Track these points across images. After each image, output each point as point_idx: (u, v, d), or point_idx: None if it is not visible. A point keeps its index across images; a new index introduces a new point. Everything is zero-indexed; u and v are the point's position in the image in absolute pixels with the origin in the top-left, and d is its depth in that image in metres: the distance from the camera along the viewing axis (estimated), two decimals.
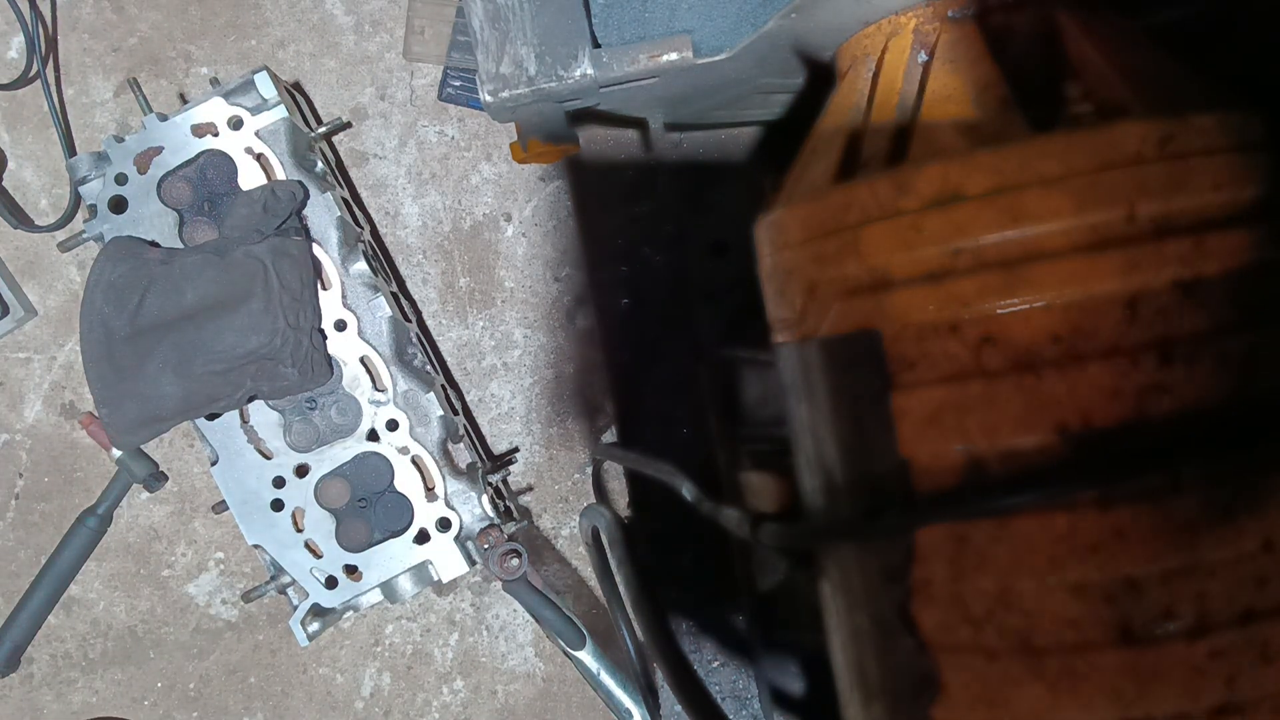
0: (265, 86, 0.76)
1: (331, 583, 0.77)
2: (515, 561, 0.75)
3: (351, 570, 0.77)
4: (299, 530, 0.76)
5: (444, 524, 0.77)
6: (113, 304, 0.72)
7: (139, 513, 0.90)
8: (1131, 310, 0.35)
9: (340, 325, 0.76)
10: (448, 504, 0.77)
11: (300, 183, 0.75)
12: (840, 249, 0.40)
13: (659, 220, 0.67)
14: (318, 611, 0.77)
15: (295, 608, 0.77)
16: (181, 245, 0.76)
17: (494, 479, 0.82)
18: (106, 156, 0.76)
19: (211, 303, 0.72)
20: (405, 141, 0.88)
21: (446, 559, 0.77)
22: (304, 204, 0.76)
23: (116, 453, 0.85)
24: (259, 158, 0.76)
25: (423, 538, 0.77)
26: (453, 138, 0.88)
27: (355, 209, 0.84)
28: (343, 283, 0.76)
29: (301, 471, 0.77)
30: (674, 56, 0.49)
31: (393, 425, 0.77)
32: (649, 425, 0.68)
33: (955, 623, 0.37)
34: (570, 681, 0.89)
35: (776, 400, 0.47)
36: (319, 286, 0.76)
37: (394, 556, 0.77)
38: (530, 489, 0.90)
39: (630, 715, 0.77)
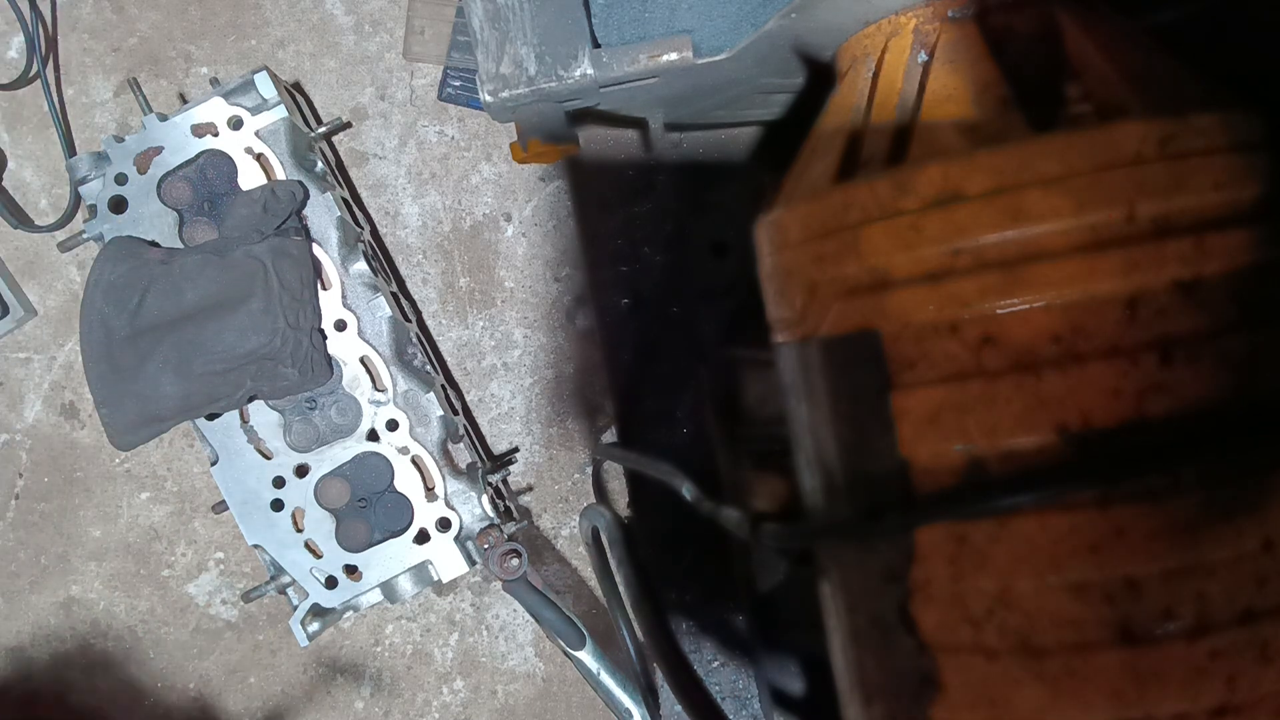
0: (265, 86, 0.76)
1: (331, 583, 0.77)
2: (515, 561, 0.75)
3: (351, 570, 0.77)
4: (299, 530, 0.76)
5: (444, 524, 0.77)
6: (113, 304, 0.72)
7: (139, 513, 0.90)
8: (1131, 310, 0.35)
9: (340, 325, 0.76)
10: (448, 504, 0.77)
11: (300, 183, 0.75)
12: (840, 249, 0.40)
13: (659, 220, 0.67)
14: (318, 611, 0.77)
15: (295, 608, 0.77)
16: (181, 245, 0.76)
17: (494, 479, 0.82)
18: (106, 156, 0.76)
19: (211, 303, 0.72)
20: (405, 141, 0.88)
21: (446, 559, 0.77)
22: (304, 204, 0.76)
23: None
24: (259, 158, 0.76)
25: (423, 538, 0.77)
26: (453, 138, 0.88)
27: (355, 209, 0.84)
28: (343, 283, 0.76)
29: (301, 471, 0.77)
30: (674, 56, 0.49)
31: (393, 425, 0.77)
32: (649, 425, 0.68)
33: (955, 623, 0.37)
34: (570, 681, 0.89)
35: (776, 400, 0.47)
36: (319, 286, 0.76)
37: (394, 556, 0.77)
38: (530, 489, 0.90)
39: (630, 715, 0.77)
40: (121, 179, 0.76)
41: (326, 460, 0.77)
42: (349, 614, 0.81)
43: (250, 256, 0.72)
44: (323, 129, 0.80)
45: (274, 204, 0.73)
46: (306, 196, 0.76)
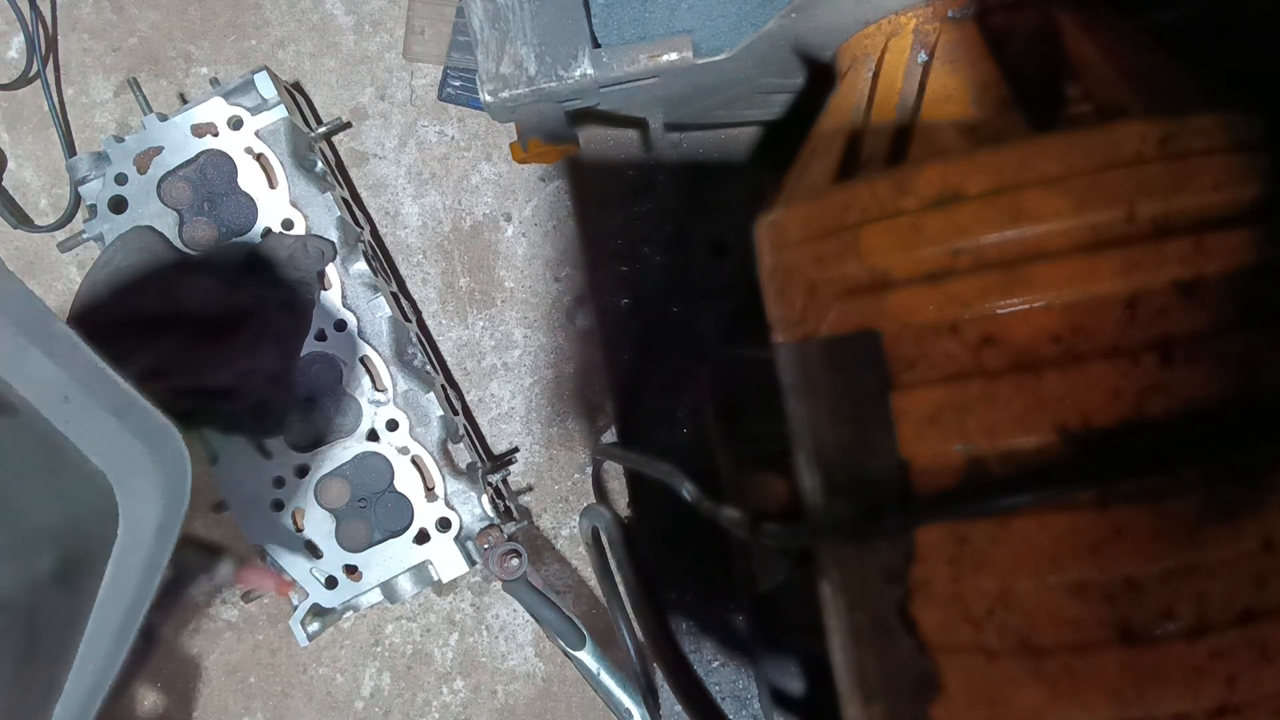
0: (265, 86, 0.76)
1: (331, 583, 0.77)
2: (515, 561, 0.75)
3: (351, 570, 0.77)
4: (299, 530, 0.76)
5: (444, 524, 0.77)
6: (113, 289, 0.72)
7: None
8: (1131, 310, 0.35)
9: (340, 325, 0.76)
10: (448, 504, 0.77)
11: (332, 244, 0.75)
12: (840, 249, 0.40)
13: (659, 220, 0.67)
14: (318, 611, 0.77)
15: (295, 608, 0.77)
16: (181, 245, 0.76)
17: (494, 479, 0.82)
18: (106, 156, 0.76)
19: (201, 327, 0.73)
20: (405, 141, 0.88)
21: (446, 559, 0.77)
22: (329, 261, 0.76)
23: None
24: (259, 158, 0.76)
25: (423, 538, 0.77)
26: (453, 138, 0.88)
27: (355, 209, 0.84)
28: (343, 283, 0.76)
29: (301, 471, 0.77)
30: (674, 56, 0.49)
31: (393, 425, 0.77)
32: (649, 425, 0.68)
33: (955, 623, 0.37)
34: (570, 681, 0.89)
35: (776, 400, 0.47)
36: (320, 287, 0.76)
37: (394, 556, 0.77)
38: (530, 489, 0.90)
39: (630, 715, 0.77)
40: (121, 179, 0.76)
41: (326, 460, 0.77)
42: (349, 614, 0.81)
43: (258, 300, 0.73)
44: (323, 129, 0.80)
45: (303, 259, 0.74)
46: (334, 256, 0.76)
